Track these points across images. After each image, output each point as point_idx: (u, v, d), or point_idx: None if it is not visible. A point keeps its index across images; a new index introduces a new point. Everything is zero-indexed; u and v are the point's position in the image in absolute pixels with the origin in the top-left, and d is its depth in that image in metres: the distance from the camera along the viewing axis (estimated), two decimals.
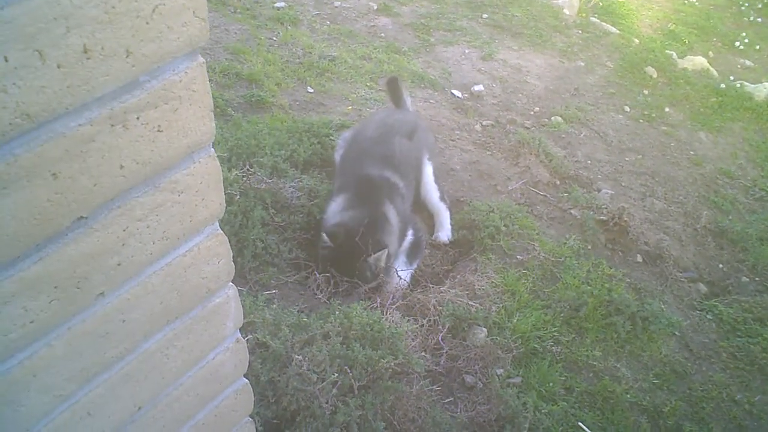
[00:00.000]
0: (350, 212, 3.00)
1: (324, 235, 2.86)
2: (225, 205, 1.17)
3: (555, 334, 2.98)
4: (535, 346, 2.89)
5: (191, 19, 0.91)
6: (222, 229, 1.22)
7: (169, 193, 1.04)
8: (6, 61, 0.73)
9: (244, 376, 1.58)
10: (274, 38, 5.10)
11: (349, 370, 2.13)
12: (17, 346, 0.93)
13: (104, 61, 0.82)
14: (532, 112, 5.02)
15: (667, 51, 6.61)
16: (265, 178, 3.11)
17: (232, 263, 1.27)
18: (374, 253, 2.84)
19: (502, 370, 2.73)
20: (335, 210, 3.06)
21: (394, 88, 3.96)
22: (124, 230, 0.99)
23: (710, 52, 7.21)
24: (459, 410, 2.52)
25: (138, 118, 0.91)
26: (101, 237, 0.96)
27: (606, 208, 3.89)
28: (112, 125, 0.88)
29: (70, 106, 0.82)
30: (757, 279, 3.86)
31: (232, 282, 1.34)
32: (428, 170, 3.57)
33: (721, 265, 3.93)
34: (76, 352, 1.03)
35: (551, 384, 2.75)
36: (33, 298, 0.91)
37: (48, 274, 0.91)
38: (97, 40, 0.81)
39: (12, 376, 0.95)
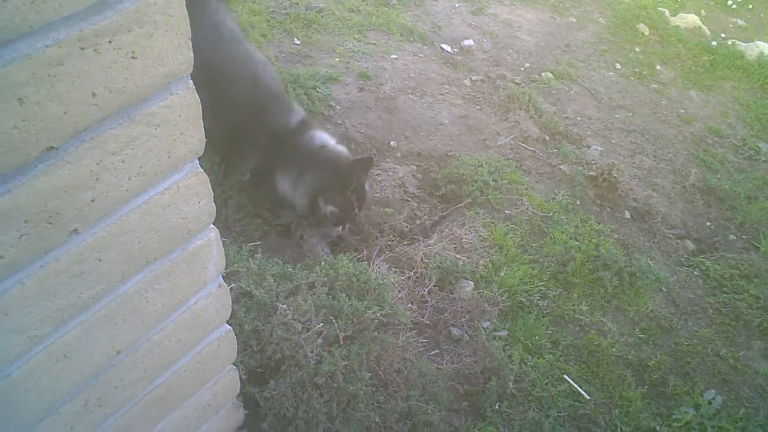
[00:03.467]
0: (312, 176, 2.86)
1: (328, 207, 2.81)
2: (205, 141, 1.12)
3: (542, 288, 2.98)
4: (522, 299, 2.88)
5: None
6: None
7: (145, 126, 0.99)
8: None
9: (228, 323, 1.56)
10: None
11: (334, 321, 2.11)
12: None
13: None
14: (522, 68, 4.95)
15: (659, 8, 6.51)
16: None
17: (213, 204, 1.23)
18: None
19: (488, 323, 2.72)
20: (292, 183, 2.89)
21: None
22: (97, 164, 0.95)
23: (702, 11, 7.11)
24: (445, 362, 2.52)
25: (110, 42, 0.86)
26: (73, 170, 0.92)
27: (595, 164, 3.86)
28: (82, 48, 0.83)
29: (35, 24, 0.76)
30: (744, 237, 3.86)
31: (214, 225, 1.31)
32: None
33: (708, 223, 3.93)
34: (50, 291, 1.00)
35: (537, 337, 2.76)
36: (1, 232, 0.87)
37: (17, 207, 0.87)
38: None
39: None
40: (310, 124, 3.00)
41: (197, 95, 1.06)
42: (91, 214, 0.99)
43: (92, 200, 0.97)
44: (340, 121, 3.64)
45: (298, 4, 4.83)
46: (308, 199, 2.81)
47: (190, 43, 0.98)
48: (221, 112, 2.67)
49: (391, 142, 3.71)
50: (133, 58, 0.90)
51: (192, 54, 0.99)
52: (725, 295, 3.31)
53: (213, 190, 1.21)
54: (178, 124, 1.04)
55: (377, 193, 3.32)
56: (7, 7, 0.72)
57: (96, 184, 0.96)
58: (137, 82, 0.93)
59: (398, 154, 3.66)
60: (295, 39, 4.42)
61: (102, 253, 1.05)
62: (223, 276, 1.43)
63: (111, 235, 1.04)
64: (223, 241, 2.46)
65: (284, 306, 1.99)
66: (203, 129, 1.10)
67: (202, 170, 1.16)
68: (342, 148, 2.93)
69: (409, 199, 3.33)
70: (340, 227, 2.95)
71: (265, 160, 2.84)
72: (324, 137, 2.94)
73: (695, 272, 3.45)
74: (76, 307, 1.06)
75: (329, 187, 2.78)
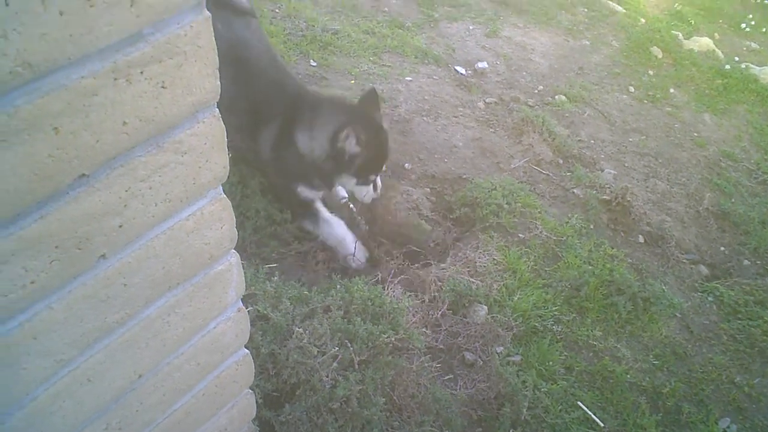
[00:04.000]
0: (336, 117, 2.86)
1: (350, 139, 2.73)
2: (228, 168, 1.14)
3: (556, 313, 2.97)
4: (536, 324, 2.87)
5: None
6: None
7: (173, 153, 1.01)
8: (6, 5, 0.69)
9: (245, 347, 1.56)
10: (277, 10, 5.03)
11: (349, 345, 2.11)
12: (17, 308, 0.91)
13: (108, 10, 0.79)
14: (536, 91, 4.97)
15: (672, 31, 6.53)
16: None
17: (236, 230, 1.25)
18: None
19: (502, 348, 2.72)
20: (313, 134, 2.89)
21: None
22: (126, 190, 0.96)
23: (716, 34, 7.14)
24: (458, 387, 2.51)
25: (142, 72, 0.88)
26: (103, 196, 0.93)
27: (609, 188, 3.86)
28: (116, 79, 0.85)
29: (72, 56, 0.78)
30: (758, 262, 3.84)
31: (234, 250, 1.32)
32: None
33: (722, 248, 3.91)
34: (77, 315, 1.01)
35: (551, 363, 2.74)
36: (33, 257, 0.88)
37: (49, 233, 0.88)
38: None
39: (12, 338, 0.92)
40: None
41: (222, 123, 1.07)
42: (119, 239, 1.00)
43: (120, 226, 0.99)
44: None
45: (314, 26, 4.88)
46: (328, 138, 2.79)
47: (218, 72, 1.00)
48: (245, 84, 2.91)
49: (406, 165, 3.73)
50: (163, 87, 0.92)
51: (219, 83, 1.01)
52: (740, 322, 3.29)
53: None
54: (204, 151, 1.06)
55: (389, 216, 3.33)
56: (47, 40, 0.74)
57: (124, 211, 0.98)
58: (166, 111, 0.95)
59: (413, 177, 3.67)
60: (311, 61, 4.47)
61: (127, 278, 1.06)
62: (241, 300, 1.44)
63: (136, 261, 1.06)
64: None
65: (300, 330, 2.00)
66: (227, 155, 1.12)
67: (225, 196, 1.17)
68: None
69: (423, 221, 3.34)
70: (370, 181, 2.92)
71: (283, 124, 2.91)
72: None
73: (709, 298, 3.43)
74: (102, 331, 1.07)
75: (346, 122, 2.74)
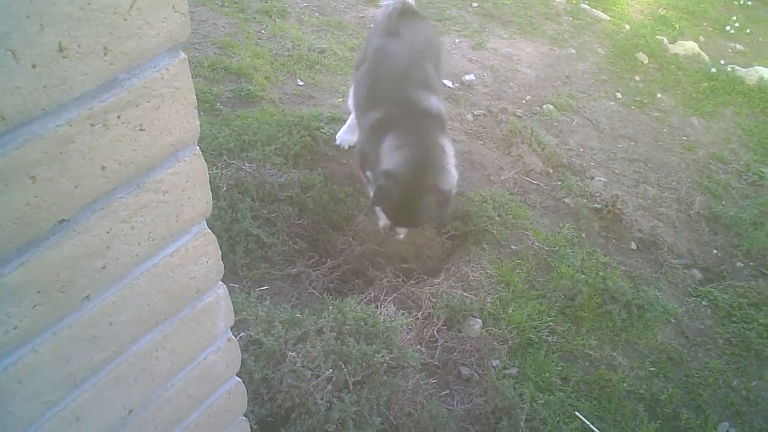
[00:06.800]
0: (404, 153, 2.77)
1: (379, 191, 2.67)
2: (212, 203, 1.14)
3: (550, 323, 2.97)
4: (531, 336, 2.88)
5: (171, 15, 0.89)
6: (213, 225, 1.20)
7: (154, 193, 1.01)
8: None
9: (237, 374, 1.56)
10: (263, 31, 5.05)
11: (343, 366, 2.11)
12: (1, 353, 0.91)
13: (81, 60, 0.80)
14: (523, 101, 5.00)
15: (657, 36, 6.58)
16: (253, 172, 3.08)
17: (221, 262, 1.25)
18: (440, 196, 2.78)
19: (498, 362, 2.72)
20: (388, 150, 2.82)
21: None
22: (107, 232, 0.97)
23: (701, 37, 7.18)
24: (455, 403, 2.51)
25: (119, 117, 0.89)
26: (84, 240, 0.94)
27: (599, 196, 3.88)
28: (92, 125, 0.86)
29: (46, 106, 0.79)
30: (751, 264, 3.86)
31: (222, 281, 1.32)
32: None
33: (715, 251, 3.93)
34: (63, 357, 1.01)
35: (547, 374, 2.75)
36: (15, 304, 0.88)
37: (30, 280, 0.88)
38: (73, 38, 0.78)
39: None
40: (443, 127, 3.05)
41: (204, 160, 1.08)
42: (103, 280, 1.00)
43: (103, 267, 0.99)
44: (344, 161, 3.67)
45: (300, 45, 4.90)
46: (382, 174, 2.73)
47: (196, 112, 1.01)
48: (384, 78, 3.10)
49: None
50: (140, 130, 0.93)
51: (198, 122, 1.02)
52: (735, 325, 3.30)
53: (220, 236, 1.23)
54: (186, 189, 1.07)
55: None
56: (20, 93, 0.75)
57: (107, 252, 0.98)
58: (145, 153, 0.95)
59: None
60: (299, 80, 4.49)
61: (113, 317, 1.06)
62: (232, 327, 1.44)
63: (121, 299, 1.06)
64: (231, 287, 2.48)
65: (293, 353, 2.00)
66: (210, 191, 1.13)
67: (209, 231, 1.18)
68: (451, 171, 2.87)
69: (415, 236, 3.34)
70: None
71: (386, 117, 2.93)
72: (448, 147, 2.93)
73: (703, 302, 3.44)
74: (88, 370, 1.07)
75: (396, 181, 2.67)
